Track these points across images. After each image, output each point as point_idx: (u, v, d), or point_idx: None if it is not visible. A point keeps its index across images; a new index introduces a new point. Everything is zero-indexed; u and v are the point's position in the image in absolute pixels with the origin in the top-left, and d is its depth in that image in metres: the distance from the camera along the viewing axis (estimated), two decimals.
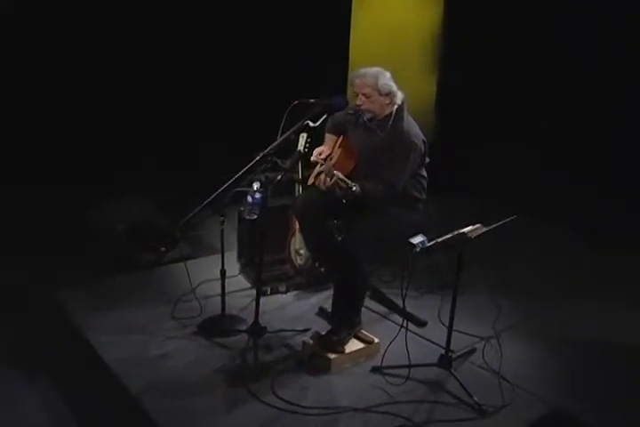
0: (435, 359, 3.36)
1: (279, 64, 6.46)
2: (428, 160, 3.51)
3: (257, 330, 3.47)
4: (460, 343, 3.54)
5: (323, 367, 3.35)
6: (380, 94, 3.36)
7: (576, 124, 5.77)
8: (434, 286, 4.32)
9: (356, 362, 3.43)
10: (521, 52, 5.92)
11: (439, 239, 2.96)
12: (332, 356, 3.34)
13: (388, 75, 3.38)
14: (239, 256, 4.47)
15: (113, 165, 5.77)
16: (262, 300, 4.03)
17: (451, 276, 4.37)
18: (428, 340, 3.66)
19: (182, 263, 4.29)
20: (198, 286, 4.09)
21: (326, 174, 3.12)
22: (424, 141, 3.41)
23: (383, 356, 3.33)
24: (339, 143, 3.64)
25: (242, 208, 4.08)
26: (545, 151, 5.87)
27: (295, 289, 4.24)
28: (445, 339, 3.39)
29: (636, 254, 4.78)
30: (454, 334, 3.39)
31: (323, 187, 3.13)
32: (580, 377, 3.39)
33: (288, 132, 3.26)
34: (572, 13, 5.60)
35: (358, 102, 3.42)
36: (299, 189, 4.11)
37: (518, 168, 5.84)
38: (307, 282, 4.22)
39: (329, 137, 3.77)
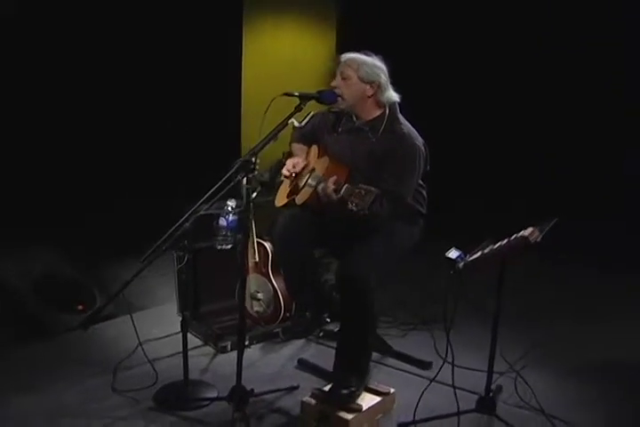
0: (454, 404, 2.71)
1: (168, 105, 5.83)
2: (428, 168, 2.97)
3: (241, 395, 2.68)
4: (473, 382, 2.95)
5: None
6: (362, 80, 2.82)
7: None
8: (417, 321, 3.78)
9: (373, 421, 2.72)
10: (422, 81, 5.77)
11: (485, 250, 2.39)
12: (350, 416, 2.61)
13: (380, 65, 2.85)
14: (181, 308, 3.63)
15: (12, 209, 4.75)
16: (223, 358, 3.32)
17: (430, 309, 3.95)
18: (445, 384, 3.00)
19: (108, 322, 3.53)
20: (137, 348, 3.20)
21: (334, 189, 2.48)
22: (424, 145, 2.87)
23: (415, 410, 2.64)
24: (316, 152, 3.01)
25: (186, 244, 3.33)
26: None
27: (259, 341, 3.47)
28: (459, 378, 2.78)
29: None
30: (464, 373, 2.89)
31: (333, 198, 2.44)
32: (625, 404, 2.94)
33: (271, 133, 2.59)
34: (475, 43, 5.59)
35: (333, 84, 2.87)
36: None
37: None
38: (292, 331, 3.51)
39: (298, 148, 3.14)
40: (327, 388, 2.77)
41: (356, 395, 2.70)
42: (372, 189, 2.36)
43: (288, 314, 3.52)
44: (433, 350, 3.36)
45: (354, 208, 2.37)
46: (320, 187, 2.64)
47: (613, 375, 3.20)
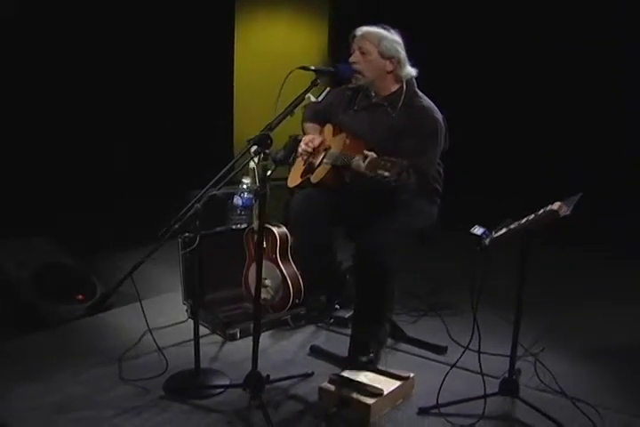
0: (476, 388, 2.64)
1: (158, 98, 5.69)
2: (447, 145, 2.88)
3: (257, 381, 2.58)
4: (490, 366, 2.86)
5: (359, 418, 2.51)
6: (382, 56, 2.73)
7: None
8: (426, 308, 3.71)
9: (394, 406, 2.64)
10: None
11: (512, 226, 2.31)
12: (371, 401, 2.52)
13: (399, 40, 2.76)
14: (186, 296, 3.52)
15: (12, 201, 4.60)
16: (232, 346, 3.22)
17: (438, 296, 3.88)
18: (462, 368, 2.92)
19: (109, 313, 3.45)
20: (143, 336, 3.10)
21: (364, 162, 2.37)
22: (444, 120, 2.79)
23: (438, 394, 2.57)
24: (331, 131, 2.92)
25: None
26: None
27: (268, 329, 3.37)
28: (475, 362, 2.71)
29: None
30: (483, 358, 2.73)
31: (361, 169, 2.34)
32: None
33: (287, 108, 2.50)
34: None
35: (351, 59, 2.77)
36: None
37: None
38: (305, 316, 3.44)
39: (310, 126, 3.05)
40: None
41: (375, 361, 2.63)
42: (397, 160, 2.26)
43: (297, 301, 3.44)
44: (445, 335, 3.31)
45: (381, 179, 2.25)
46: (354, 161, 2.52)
47: (628, 358, 3.15)
